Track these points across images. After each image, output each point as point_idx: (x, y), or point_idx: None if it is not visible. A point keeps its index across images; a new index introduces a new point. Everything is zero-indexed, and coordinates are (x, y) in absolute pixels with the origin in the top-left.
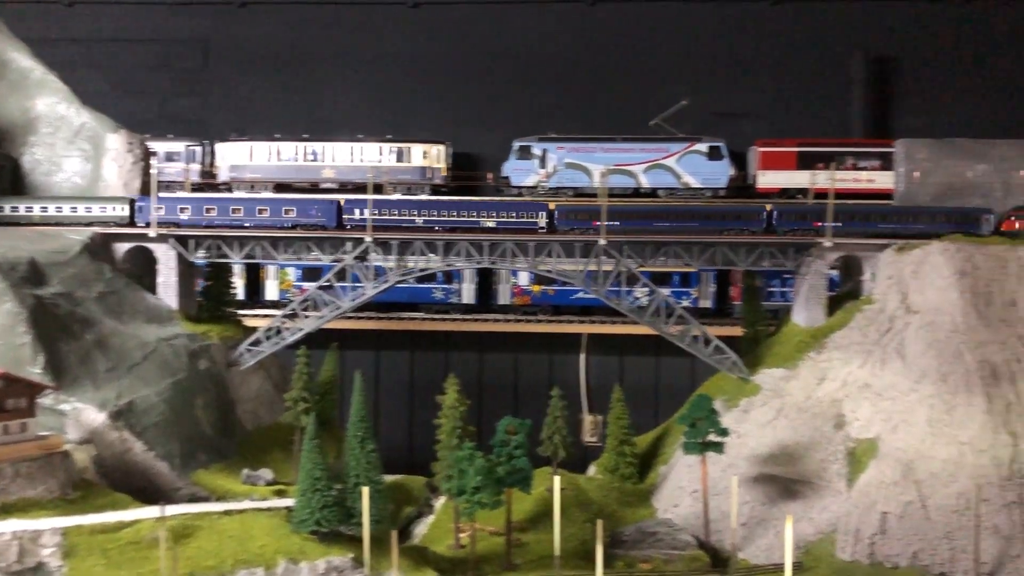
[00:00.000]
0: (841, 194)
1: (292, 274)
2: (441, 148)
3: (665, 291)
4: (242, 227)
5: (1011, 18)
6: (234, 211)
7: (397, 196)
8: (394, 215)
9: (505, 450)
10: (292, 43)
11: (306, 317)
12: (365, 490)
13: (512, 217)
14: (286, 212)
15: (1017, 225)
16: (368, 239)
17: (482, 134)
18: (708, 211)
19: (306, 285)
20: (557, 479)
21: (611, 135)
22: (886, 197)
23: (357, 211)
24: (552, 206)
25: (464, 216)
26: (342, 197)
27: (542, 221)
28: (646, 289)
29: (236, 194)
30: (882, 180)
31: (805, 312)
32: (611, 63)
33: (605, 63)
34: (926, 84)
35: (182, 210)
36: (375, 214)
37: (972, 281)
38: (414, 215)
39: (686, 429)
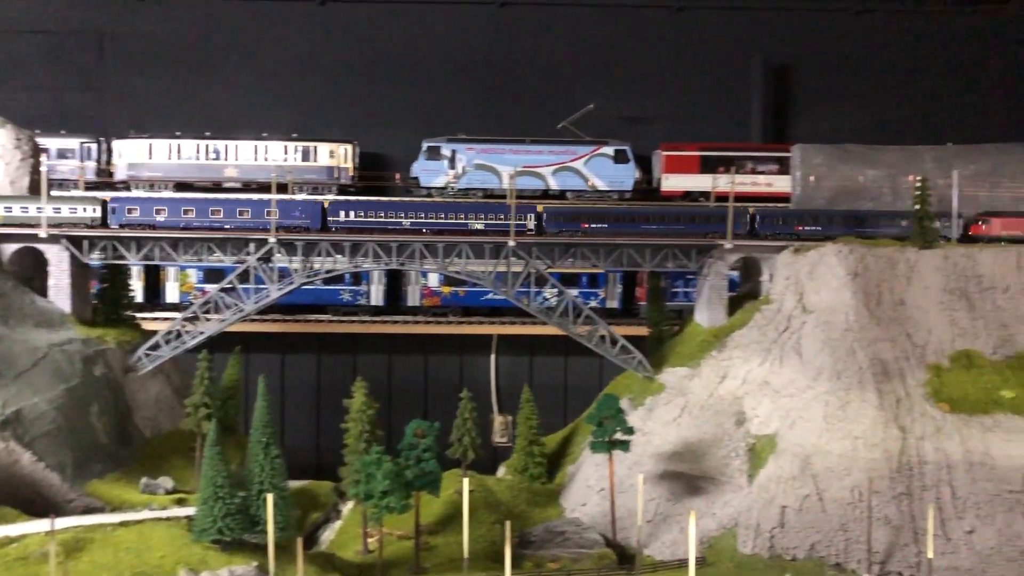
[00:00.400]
0: (740, 197)
1: (193, 276)
2: (348, 148)
3: (573, 292)
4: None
5: (901, 28)
6: (213, 212)
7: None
8: (380, 217)
9: (413, 453)
10: (194, 38)
11: (207, 320)
12: (269, 497)
13: (501, 219)
14: (267, 214)
15: (984, 229)
16: (272, 240)
17: (391, 134)
18: (693, 213)
19: (208, 287)
20: (466, 481)
21: (520, 137)
22: (783, 200)
23: (343, 213)
24: (540, 208)
25: (453, 218)
26: (326, 199)
27: (531, 223)
28: (555, 290)
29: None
30: (780, 184)
31: (707, 312)
32: (520, 65)
33: (514, 65)
34: (821, 91)
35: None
36: (360, 216)
37: (864, 281)
38: (400, 217)
39: (593, 428)
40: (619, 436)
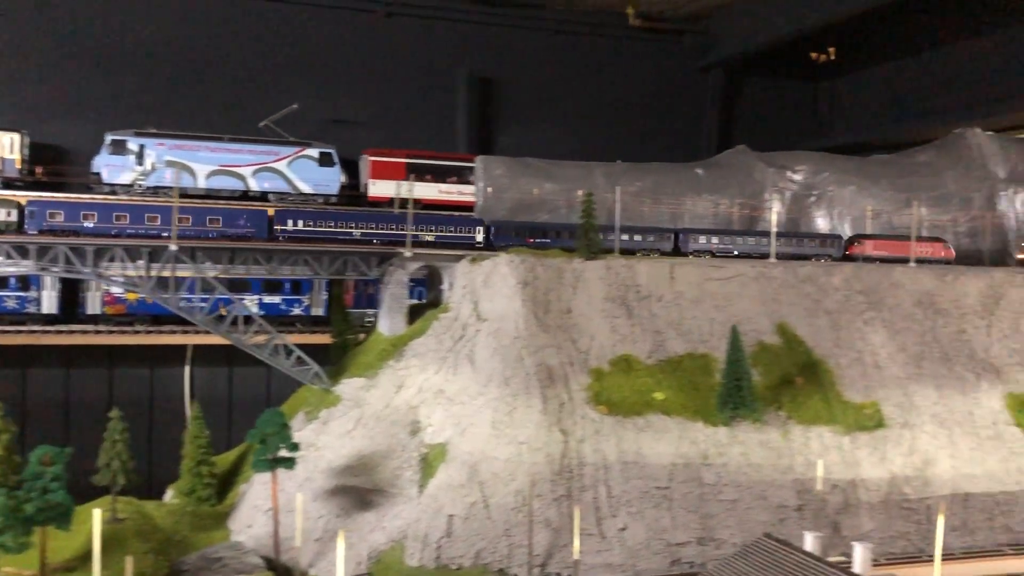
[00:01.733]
0: (448, 206)
1: None
2: (15, 137)
3: (276, 298)
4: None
5: (592, 51)
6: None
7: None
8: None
9: (38, 484)
10: None
11: None
12: None
13: (452, 232)
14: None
15: (858, 249)
16: None
17: (72, 126)
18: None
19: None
20: (97, 512)
21: (217, 135)
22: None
23: (292, 222)
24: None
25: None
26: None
27: (479, 236)
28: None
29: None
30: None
31: (388, 321)
32: (222, 60)
33: (216, 59)
34: (524, 105)
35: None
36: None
37: (533, 290)
38: (351, 227)
39: (256, 446)
40: (283, 453)
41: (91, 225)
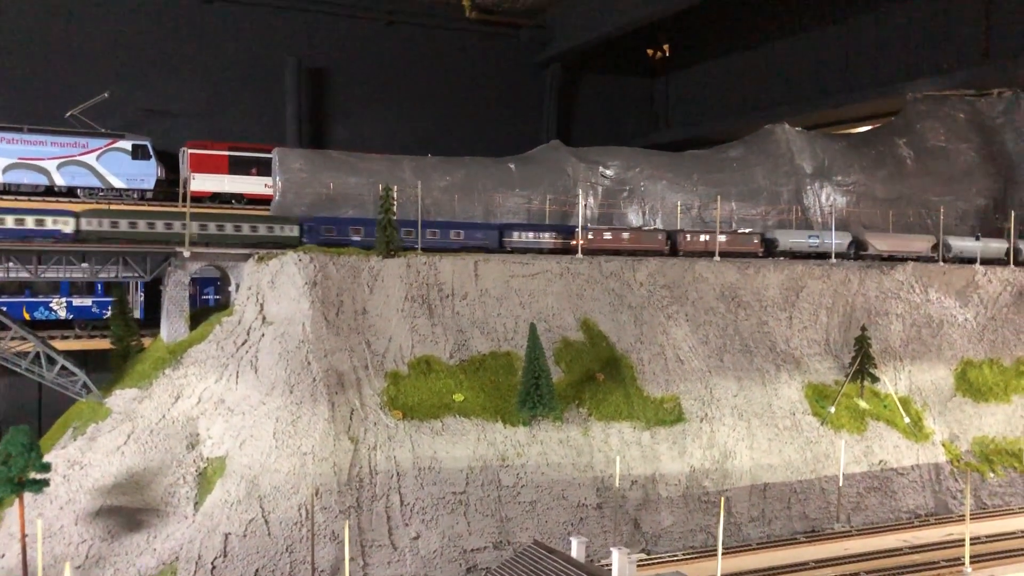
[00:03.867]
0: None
1: None
2: None
3: (87, 301)
4: None
5: (426, 41)
6: None
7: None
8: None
9: None
10: None
11: None
12: None
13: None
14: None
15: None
16: None
17: None
18: None
19: None
20: None
21: (15, 124)
22: None
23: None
24: None
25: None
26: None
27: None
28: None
29: None
30: None
31: (168, 326)
32: (20, 42)
33: (12, 41)
34: (357, 97)
35: None
36: None
37: (324, 291)
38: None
39: None
40: (32, 475)
41: None
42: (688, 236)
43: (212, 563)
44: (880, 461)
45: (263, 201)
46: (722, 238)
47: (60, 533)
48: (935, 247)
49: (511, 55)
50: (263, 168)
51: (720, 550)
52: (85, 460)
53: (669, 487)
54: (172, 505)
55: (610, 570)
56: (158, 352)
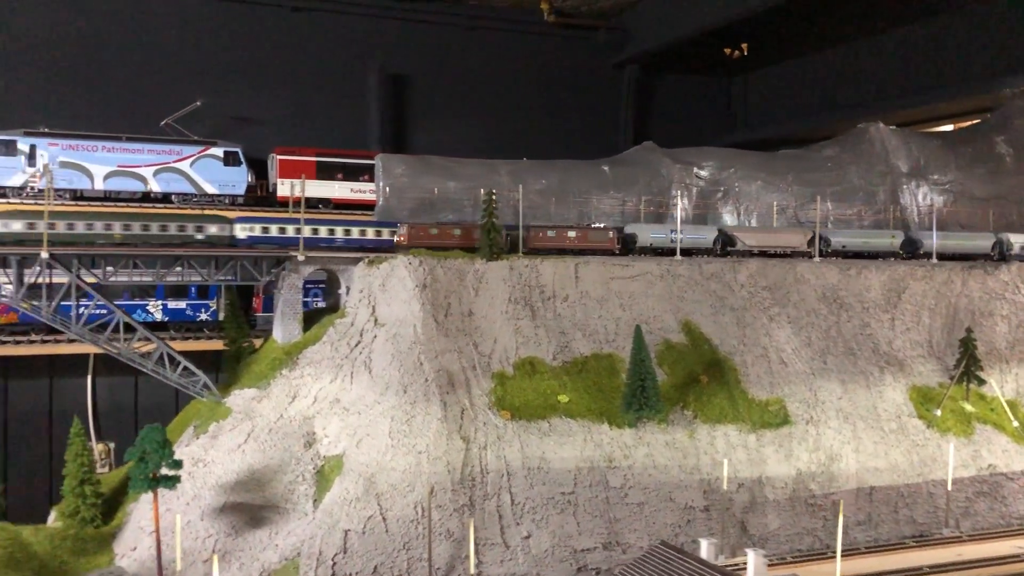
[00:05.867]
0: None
1: None
2: None
3: (182, 303)
4: None
5: (506, 46)
6: None
7: None
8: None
9: None
10: None
11: None
12: None
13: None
14: None
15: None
16: None
17: None
18: None
19: None
20: None
21: (115, 134)
22: None
23: None
24: None
25: None
26: None
27: None
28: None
29: None
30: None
31: (282, 327)
32: (118, 55)
33: (111, 55)
34: (438, 102)
35: None
36: None
37: (432, 293)
38: None
39: (134, 464)
40: (165, 471)
41: None
42: (537, 232)
43: (332, 559)
44: (989, 465)
45: (347, 205)
46: (572, 234)
47: (187, 528)
48: (811, 241)
49: (588, 57)
50: (348, 173)
51: (839, 552)
52: (208, 457)
53: (775, 490)
54: (292, 502)
55: (734, 570)
56: (274, 353)
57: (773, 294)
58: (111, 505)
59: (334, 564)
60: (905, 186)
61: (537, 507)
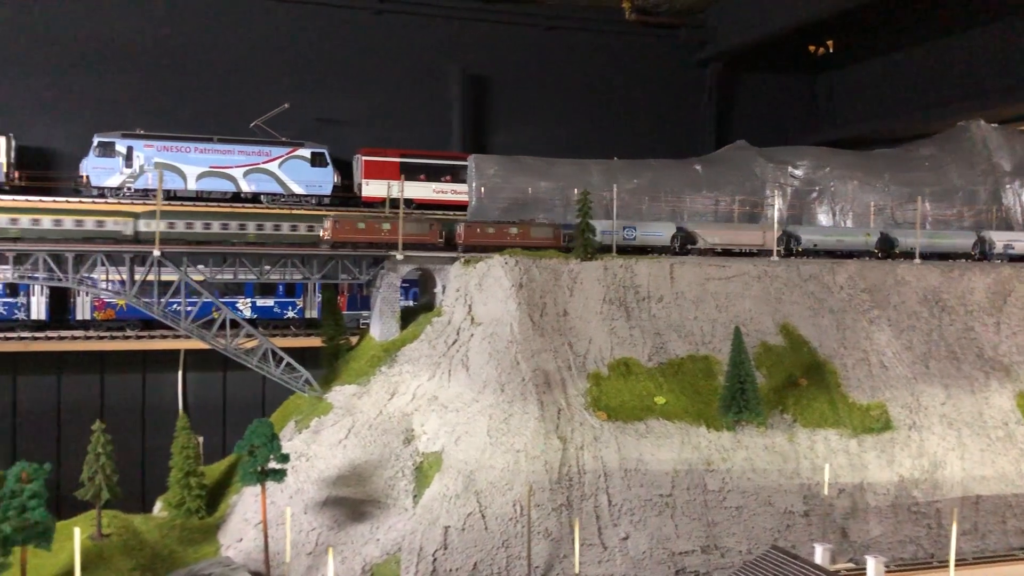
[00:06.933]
0: (442, 205)
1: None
2: (1, 140)
3: (270, 301)
4: None
5: (586, 46)
6: None
7: None
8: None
9: (16, 502)
10: None
11: None
12: None
13: None
14: None
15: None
16: None
17: (57, 128)
18: None
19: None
20: (77, 531)
21: (207, 135)
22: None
23: None
24: None
25: None
26: None
27: None
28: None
29: None
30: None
31: (380, 325)
32: (209, 59)
33: (202, 58)
34: (518, 102)
35: None
36: None
37: (528, 293)
38: None
39: (244, 457)
40: (273, 465)
41: None
42: (473, 228)
43: (433, 555)
44: None
45: (429, 206)
46: (514, 230)
47: (291, 521)
48: (778, 240)
49: (669, 55)
50: (431, 174)
51: (952, 561)
52: (311, 452)
53: (877, 496)
54: (392, 497)
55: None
56: (372, 350)
57: (873, 296)
58: (214, 496)
59: (435, 560)
60: (1008, 185)
61: (635, 509)
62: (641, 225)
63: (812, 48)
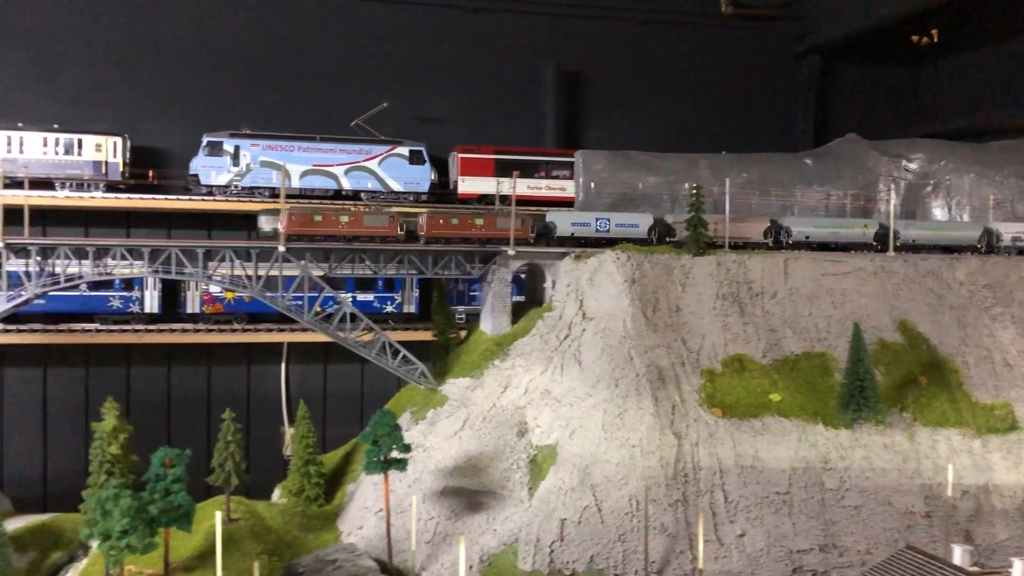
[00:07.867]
0: (536, 201)
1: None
2: (117, 141)
3: (369, 296)
4: None
5: (681, 39)
6: None
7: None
8: None
9: (160, 485)
10: None
11: None
12: None
13: None
14: None
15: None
16: None
17: (167, 127)
18: None
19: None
20: (218, 515)
21: (310, 134)
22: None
23: None
24: None
25: None
26: None
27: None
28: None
29: None
30: (571, 189)
31: (491, 320)
32: (310, 60)
33: (304, 60)
34: (612, 98)
35: None
36: None
37: (641, 288)
38: None
39: (368, 447)
40: (395, 455)
41: None
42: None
43: (550, 547)
44: None
45: (523, 202)
46: (344, 219)
47: (409, 510)
48: (767, 232)
49: (765, 48)
50: (525, 170)
51: None
52: (428, 443)
53: (1004, 499)
54: (507, 489)
55: None
56: (484, 344)
57: (995, 292)
58: (330, 485)
59: (551, 551)
60: None
61: (751, 506)
62: (615, 217)
63: (915, 38)
